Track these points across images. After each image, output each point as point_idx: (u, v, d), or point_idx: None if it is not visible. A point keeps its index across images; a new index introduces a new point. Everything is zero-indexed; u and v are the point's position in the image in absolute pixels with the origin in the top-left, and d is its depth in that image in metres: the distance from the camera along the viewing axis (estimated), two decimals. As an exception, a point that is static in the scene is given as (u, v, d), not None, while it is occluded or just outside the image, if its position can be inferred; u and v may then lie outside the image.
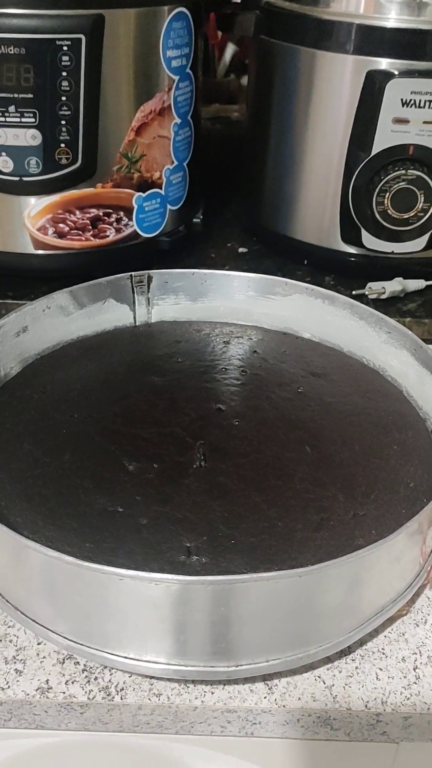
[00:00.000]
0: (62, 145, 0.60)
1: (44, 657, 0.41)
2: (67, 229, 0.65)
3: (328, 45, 0.64)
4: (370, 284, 0.70)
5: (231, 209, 0.88)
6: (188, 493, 0.44)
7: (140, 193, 0.66)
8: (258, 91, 0.74)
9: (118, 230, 0.67)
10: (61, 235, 0.65)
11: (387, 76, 0.61)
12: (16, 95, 0.58)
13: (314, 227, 0.72)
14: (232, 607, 0.35)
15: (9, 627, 0.42)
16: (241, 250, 0.79)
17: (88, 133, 0.61)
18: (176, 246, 0.72)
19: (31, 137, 0.59)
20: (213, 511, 0.43)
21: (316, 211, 0.71)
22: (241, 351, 0.58)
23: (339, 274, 0.74)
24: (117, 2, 0.58)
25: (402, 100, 0.62)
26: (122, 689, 0.39)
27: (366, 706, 0.39)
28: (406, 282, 0.71)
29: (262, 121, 0.73)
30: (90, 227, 0.65)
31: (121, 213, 0.66)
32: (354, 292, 0.70)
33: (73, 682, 0.39)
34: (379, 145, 0.64)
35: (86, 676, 0.40)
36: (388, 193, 0.65)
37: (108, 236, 0.66)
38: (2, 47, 0.56)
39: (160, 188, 0.68)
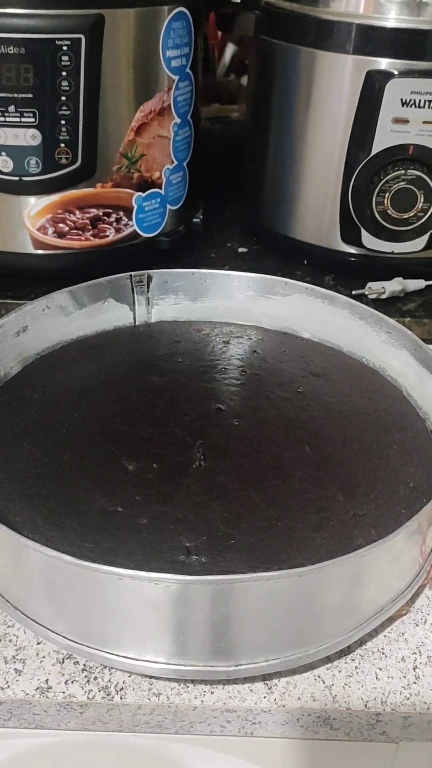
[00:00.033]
0: (62, 144, 0.60)
1: (44, 657, 0.41)
2: (66, 228, 0.65)
3: (328, 45, 0.64)
4: (369, 284, 0.70)
5: (231, 209, 0.88)
6: (188, 493, 0.44)
7: (140, 193, 0.66)
8: (258, 91, 0.74)
9: (117, 230, 0.67)
10: (60, 234, 0.65)
11: (387, 76, 0.61)
12: (15, 95, 0.58)
13: (314, 227, 0.72)
14: (231, 606, 0.35)
15: (9, 626, 0.42)
16: (240, 250, 0.79)
17: (88, 132, 0.61)
18: (176, 246, 0.72)
19: (30, 137, 0.59)
20: (213, 510, 0.43)
21: (316, 211, 0.71)
22: (241, 351, 0.58)
23: (339, 274, 0.74)
24: (117, 2, 0.58)
25: (402, 100, 0.62)
26: (122, 689, 0.39)
27: (366, 705, 0.39)
28: (406, 282, 0.71)
29: (262, 121, 0.73)
30: (90, 227, 0.65)
31: (121, 213, 0.66)
32: (354, 292, 0.70)
33: (72, 682, 0.39)
34: (378, 145, 0.64)
35: (86, 676, 0.40)
36: (387, 193, 0.65)
37: (108, 236, 0.66)
38: (2, 47, 0.56)
39: (160, 188, 0.68)
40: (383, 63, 0.62)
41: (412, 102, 0.62)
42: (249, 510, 0.43)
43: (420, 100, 0.62)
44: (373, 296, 0.70)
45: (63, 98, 0.59)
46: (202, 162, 0.75)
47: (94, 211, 0.65)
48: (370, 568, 0.37)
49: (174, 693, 0.39)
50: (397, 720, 0.39)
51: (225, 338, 0.60)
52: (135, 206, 0.67)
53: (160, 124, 0.65)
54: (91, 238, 0.66)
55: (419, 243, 0.69)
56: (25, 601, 0.40)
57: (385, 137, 0.64)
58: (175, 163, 0.69)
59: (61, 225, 0.64)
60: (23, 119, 0.59)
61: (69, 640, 0.38)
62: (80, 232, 0.65)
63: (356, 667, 0.41)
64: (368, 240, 0.69)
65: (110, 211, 0.66)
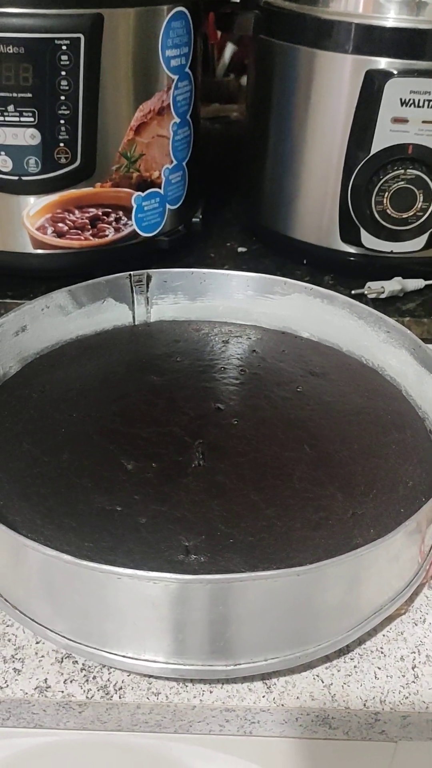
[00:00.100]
0: (61, 144, 0.60)
1: (43, 656, 0.41)
2: (66, 228, 0.65)
3: (327, 44, 0.64)
4: (369, 284, 0.70)
5: (230, 209, 0.88)
6: (187, 493, 0.44)
7: (139, 193, 0.66)
8: (257, 90, 0.74)
9: (117, 230, 0.67)
10: (60, 234, 0.65)
11: (386, 75, 0.61)
12: (15, 94, 0.58)
13: (313, 227, 0.72)
14: (230, 606, 0.35)
15: (8, 626, 0.42)
16: (240, 249, 0.79)
17: (87, 132, 0.61)
18: (175, 245, 0.72)
19: (30, 136, 0.59)
20: (212, 510, 0.43)
21: (316, 210, 0.71)
22: (240, 350, 0.58)
23: (338, 273, 0.74)
24: (116, 1, 0.58)
25: (401, 99, 0.62)
26: (121, 688, 0.39)
27: (364, 705, 0.39)
28: (405, 281, 0.71)
29: (262, 121, 0.73)
30: (89, 227, 0.65)
31: (120, 212, 0.66)
32: (353, 292, 0.70)
33: (71, 681, 0.39)
34: (378, 145, 0.64)
35: (85, 675, 0.40)
36: (387, 193, 0.65)
37: (107, 236, 0.66)
38: (1, 46, 0.56)
39: (159, 188, 0.68)
40: (382, 62, 0.62)
41: (411, 101, 0.62)
42: (248, 509, 0.43)
43: (419, 100, 0.62)
44: (373, 296, 0.70)
45: (62, 98, 0.59)
46: (202, 162, 0.75)
47: (93, 211, 0.65)
48: (368, 568, 0.37)
49: (173, 692, 0.39)
50: (396, 719, 0.39)
51: (224, 338, 0.60)
52: (134, 206, 0.67)
53: (159, 123, 0.65)
54: (91, 237, 0.66)
55: (418, 243, 0.69)
56: (24, 600, 0.40)
57: (384, 137, 0.64)
58: (175, 162, 0.69)
59: (60, 224, 0.64)
60: (22, 119, 0.59)
61: (68, 639, 0.38)
62: (79, 232, 0.65)
63: (355, 667, 0.41)
64: (367, 239, 0.69)
65: (109, 210, 0.66)
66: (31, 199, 0.63)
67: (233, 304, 0.61)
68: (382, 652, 0.41)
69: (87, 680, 0.40)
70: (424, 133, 0.63)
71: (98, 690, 0.39)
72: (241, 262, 0.76)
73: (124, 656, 0.38)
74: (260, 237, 0.80)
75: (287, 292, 0.60)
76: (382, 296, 0.70)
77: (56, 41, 0.56)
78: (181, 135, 0.68)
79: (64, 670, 0.40)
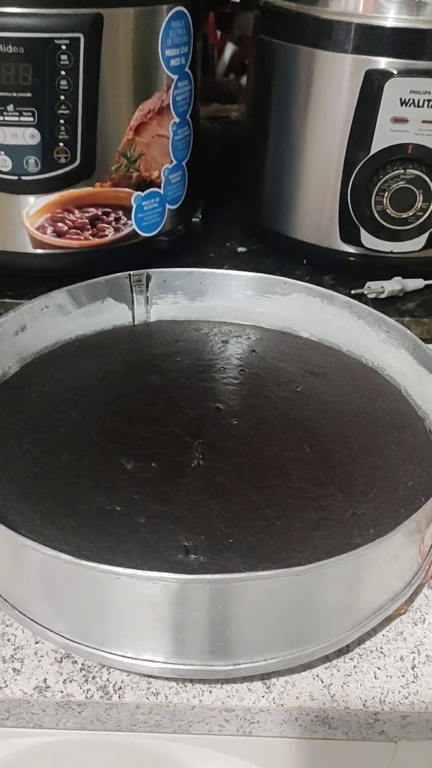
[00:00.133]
0: (61, 144, 0.60)
1: (42, 656, 0.41)
2: (65, 228, 0.65)
3: (327, 44, 0.64)
4: (369, 283, 0.70)
5: (230, 209, 0.88)
6: (186, 492, 0.44)
7: (139, 193, 0.66)
8: (257, 90, 0.74)
9: (116, 229, 0.67)
10: (59, 234, 0.65)
11: (386, 75, 0.61)
12: (14, 94, 0.58)
13: (313, 227, 0.72)
14: (230, 605, 0.35)
15: (7, 626, 0.42)
16: (240, 249, 0.79)
17: (87, 132, 0.61)
18: (175, 245, 0.72)
19: (29, 136, 0.59)
20: (211, 510, 0.42)
21: (315, 210, 0.71)
22: (240, 350, 0.58)
23: (338, 273, 0.74)
24: (116, 1, 0.58)
25: (401, 99, 0.62)
26: (120, 688, 0.39)
27: (364, 705, 0.39)
28: (405, 281, 0.71)
29: (261, 121, 0.73)
30: (89, 226, 0.65)
31: (120, 212, 0.66)
32: (353, 292, 0.70)
33: (71, 681, 0.39)
34: (377, 145, 0.64)
35: (84, 675, 0.40)
36: (387, 193, 0.65)
37: (107, 235, 0.66)
38: (1, 46, 0.56)
39: (159, 187, 0.68)
40: (382, 62, 0.62)
41: (411, 101, 0.62)
42: (247, 509, 0.43)
43: (419, 100, 0.62)
44: (372, 296, 0.70)
45: (62, 97, 0.59)
46: (202, 161, 0.75)
47: (93, 211, 0.65)
48: (368, 567, 0.37)
49: (172, 692, 0.39)
50: (396, 719, 0.39)
51: (224, 337, 0.60)
52: (134, 205, 0.67)
53: (159, 123, 0.65)
54: (90, 237, 0.66)
55: (418, 242, 0.69)
56: (23, 600, 0.40)
57: (384, 136, 0.64)
58: (174, 162, 0.69)
59: (60, 224, 0.64)
60: (22, 118, 0.59)
61: (67, 639, 0.38)
62: (79, 232, 0.65)
63: (355, 667, 0.41)
64: (367, 239, 0.69)
65: (109, 210, 0.66)
66: (31, 199, 0.63)
67: (233, 303, 0.61)
68: (381, 652, 0.41)
69: (86, 680, 0.39)
70: (423, 132, 0.63)
71: (97, 690, 0.39)
72: (240, 262, 0.76)
73: (123, 656, 0.38)
74: (260, 237, 0.80)
75: (287, 291, 0.60)
76: (382, 296, 0.70)
77: (56, 41, 0.56)
78: (180, 135, 0.68)
79: (64, 670, 0.40)
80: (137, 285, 0.60)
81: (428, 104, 0.62)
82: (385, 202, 0.66)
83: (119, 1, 0.59)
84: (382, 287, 0.70)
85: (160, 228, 0.70)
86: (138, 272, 0.59)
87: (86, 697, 0.39)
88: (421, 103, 0.62)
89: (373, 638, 0.42)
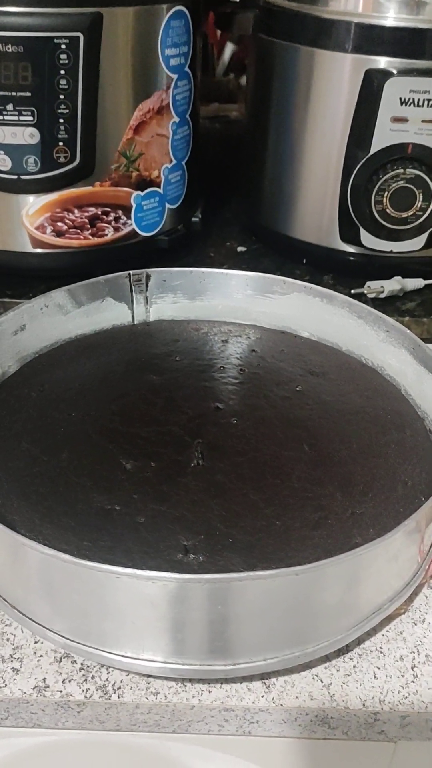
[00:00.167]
0: (60, 143, 0.60)
1: (41, 655, 0.40)
2: (65, 227, 0.64)
3: (327, 44, 0.64)
4: (368, 283, 0.70)
5: (230, 208, 0.88)
6: (186, 492, 0.44)
7: (139, 192, 0.66)
8: (257, 90, 0.74)
9: (116, 229, 0.67)
10: (59, 233, 0.65)
11: (385, 74, 0.61)
12: (14, 93, 0.58)
13: (313, 226, 0.72)
14: (229, 605, 0.35)
15: (6, 625, 0.42)
16: (240, 249, 0.79)
17: (87, 131, 0.61)
18: (175, 245, 0.72)
19: (29, 135, 0.59)
20: (211, 509, 0.42)
21: (315, 210, 0.71)
22: (240, 350, 0.58)
23: (338, 273, 0.74)
24: (115, 0, 0.58)
25: (401, 98, 0.62)
26: (119, 688, 0.39)
27: (364, 705, 0.39)
28: (405, 281, 0.71)
29: (261, 120, 0.73)
30: (88, 226, 0.65)
31: (120, 212, 0.66)
32: (353, 291, 0.70)
33: (70, 681, 0.39)
34: (377, 144, 0.64)
35: (83, 675, 0.40)
36: (386, 192, 0.65)
37: (106, 235, 0.66)
38: (0, 45, 0.56)
39: (159, 187, 0.68)
40: (382, 62, 0.62)
41: (410, 101, 0.62)
42: (247, 509, 0.43)
43: (419, 99, 0.62)
44: (372, 295, 0.70)
45: (61, 97, 0.59)
46: (201, 161, 0.75)
47: (92, 210, 0.65)
48: (368, 567, 0.37)
49: (172, 692, 0.39)
50: (395, 719, 0.39)
51: (223, 337, 0.60)
52: (134, 205, 0.67)
53: (158, 122, 0.65)
54: (90, 236, 0.66)
55: (418, 242, 0.69)
56: (22, 599, 0.39)
57: (383, 136, 0.64)
58: (174, 162, 0.69)
59: (59, 224, 0.64)
60: (21, 118, 0.59)
61: (66, 638, 0.38)
62: (79, 231, 0.65)
63: (354, 666, 0.41)
64: (367, 239, 0.69)
65: (109, 209, 0.65)
66: (31, 198, 0.63)
67: (233, 303, 0.61)
68: (381, 652, 0.41)
69: (86, 680, 0.39)
70: (423, 132, 0.63)
71: (97, 690, 0.39)
72: (240, 261, 0.76)
73: (122, 656, 0.37)
74: (260, 236, 0.80)
75: (287, 291, 0.60)
76: (382, 296, 0.70)
77: (55, 40, 0.56)
78: (180, 134, 0.68)
79: (63, 670, 0.40)
80: (137, 284, 0.60)
81: (428, 104, 0.62)
82: (384, 201, 0.66)
83: (119, 1, 0.58)
84: (382, 287, 0.70)
85: (159, 227, 0.70)
86: (137, 272, 0.59)
87: (85, 697, 0.39)
88: (420, 103, 0.62)
89: (373, 638, 0.42)
